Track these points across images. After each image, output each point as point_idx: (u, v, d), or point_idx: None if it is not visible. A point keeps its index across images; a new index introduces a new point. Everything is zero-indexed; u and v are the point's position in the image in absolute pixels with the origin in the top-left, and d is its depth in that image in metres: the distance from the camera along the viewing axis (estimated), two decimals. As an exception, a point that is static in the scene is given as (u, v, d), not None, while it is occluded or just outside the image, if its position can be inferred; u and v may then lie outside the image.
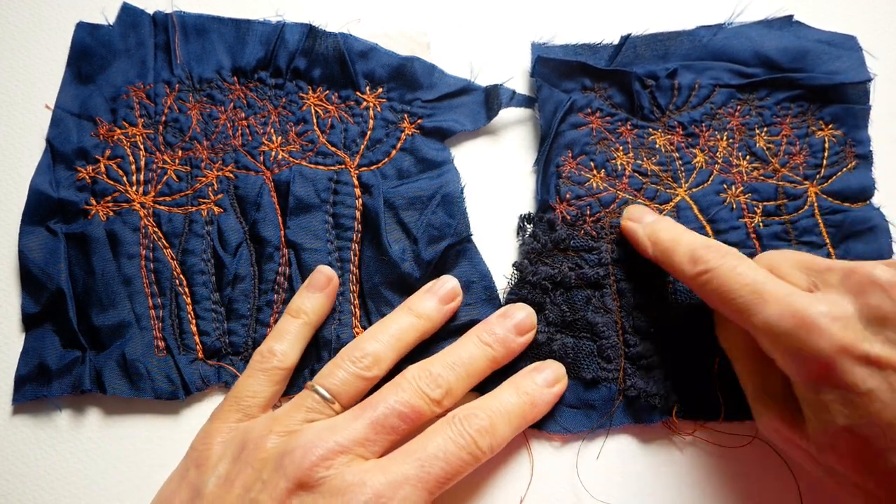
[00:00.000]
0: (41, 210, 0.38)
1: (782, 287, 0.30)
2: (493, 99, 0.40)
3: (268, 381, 0.34)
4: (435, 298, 0.36)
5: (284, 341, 0.35)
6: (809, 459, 0.30)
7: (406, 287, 0.37)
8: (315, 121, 0.40)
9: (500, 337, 0.35)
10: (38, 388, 0.36)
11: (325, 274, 0.37)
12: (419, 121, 0.40)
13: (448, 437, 0.31)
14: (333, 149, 0.40)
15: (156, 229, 0.38)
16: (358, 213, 0.39)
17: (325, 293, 0.37)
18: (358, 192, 0.39)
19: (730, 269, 0.31)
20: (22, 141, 0.41)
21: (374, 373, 0.34)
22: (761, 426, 0.32)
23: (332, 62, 0.41)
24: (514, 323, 0.36)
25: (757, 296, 0.29)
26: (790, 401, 0.31)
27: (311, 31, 0.41)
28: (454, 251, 0.38)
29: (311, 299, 0.36)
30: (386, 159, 0.40)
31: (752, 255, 0.38)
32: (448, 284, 0.37)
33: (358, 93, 0.41)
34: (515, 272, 0.38)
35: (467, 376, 0.34)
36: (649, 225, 0.36)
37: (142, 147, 0.40)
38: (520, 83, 0.42)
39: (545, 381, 0.35)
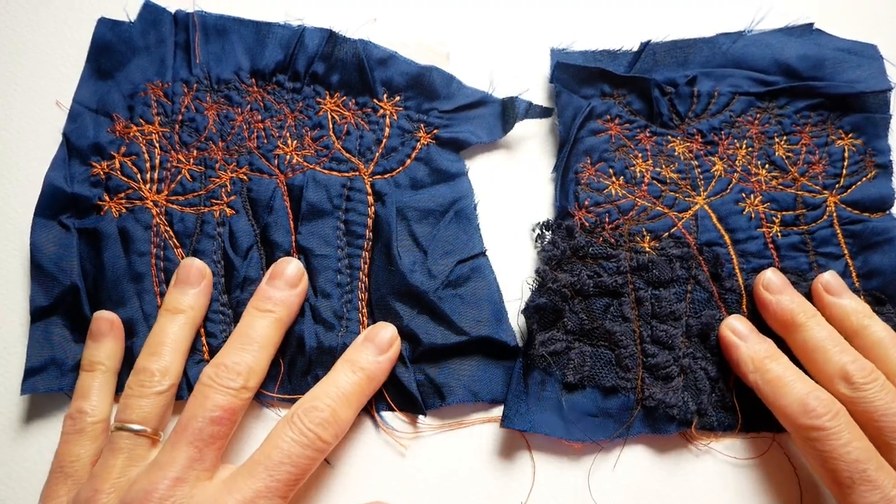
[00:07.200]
0: (55, 204, 0.38)
1: (889, 479, 0.30)
2: (509, 111, 0.40)
3: (86, 440, 0.33)
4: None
5: (90, 398, 0.34)
6: None
7: (415, 299, 0.37)
8: (331, 126, 0.40)
9: (278, 299, 0.35)
10: (49, 382, 0.36)
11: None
12: (435, 131, 0.40)
13: (291, 440, 0.31)
14: (348, 155, 0.40)
15: (167, 228, 0.38)
16: (370, 221, 0.39)
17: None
18: (371, 199, 0.39)
19: (841, 441, 0.31)
20: (36, 135, 0.41)
21: (164, 384, 0.33)
22: None
23: (350, 68, 0.40)
24: (279, 279, 0.36)
25: (862, 482, 0.30)
26: None
27: (331, 37, 0.40)
28: (467, 266, 0.38)
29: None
30: (400, 168, 0.40)
31: (769, 266, 0.37)
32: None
33: (375, 100, 0.40)
34: (537, 277, 0.38)
35: (261, 349, 0.34)
36: (758, 353, 0.35)
37: (157, 145, 0.40)
38: (538, 90, 0.42)
39: (379, 349, 0.35)
